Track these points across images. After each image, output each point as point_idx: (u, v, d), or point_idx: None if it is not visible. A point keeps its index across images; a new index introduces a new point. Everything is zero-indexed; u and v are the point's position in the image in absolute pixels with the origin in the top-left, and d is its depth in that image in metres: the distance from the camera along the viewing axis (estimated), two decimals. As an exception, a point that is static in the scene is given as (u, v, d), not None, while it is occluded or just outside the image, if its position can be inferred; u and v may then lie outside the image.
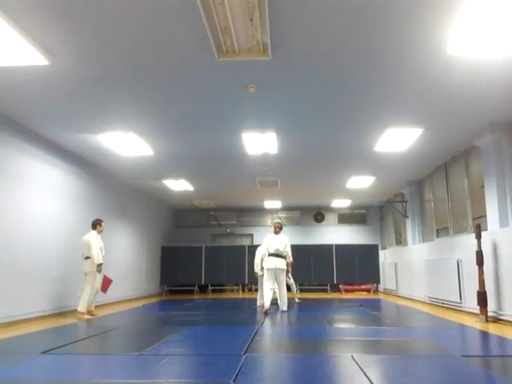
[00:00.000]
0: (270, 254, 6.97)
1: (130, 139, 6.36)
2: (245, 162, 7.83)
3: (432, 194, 9.09)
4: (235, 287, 13.26)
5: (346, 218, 14.04)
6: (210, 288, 12.43)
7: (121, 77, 4.41)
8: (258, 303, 7.75)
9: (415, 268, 9.22)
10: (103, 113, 5.39)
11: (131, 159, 7.56)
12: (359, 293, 12.13)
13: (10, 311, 5.51)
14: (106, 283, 6.90)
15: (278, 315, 6.50)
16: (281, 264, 6.90)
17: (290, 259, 7.23)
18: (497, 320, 5.58)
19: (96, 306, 6.80)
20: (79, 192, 7.53)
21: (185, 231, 13.88)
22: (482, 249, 5.76)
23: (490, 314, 5.60)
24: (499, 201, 5.84)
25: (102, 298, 7.58)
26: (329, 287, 12.48)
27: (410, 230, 9.96)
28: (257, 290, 8.52)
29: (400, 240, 11.52)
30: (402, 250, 10.66)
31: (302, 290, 12.30)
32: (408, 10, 3.26)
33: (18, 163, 5.83)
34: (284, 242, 7.09)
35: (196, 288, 12.27)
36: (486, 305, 5.57)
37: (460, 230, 7.63)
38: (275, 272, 6.90)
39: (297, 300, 8.92)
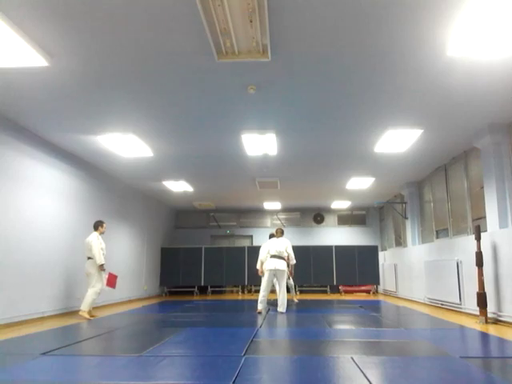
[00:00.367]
0: (271, 256, 7.02)
1: (129, 140, 6.37)
2: (244, 163, 7.84)
3: (432, 195, 9.10)
4: (235, 288, 13.27)
5: (345, 219, 14.05)
6: (209, 289, 12.44)
7: (121, 78, 4.42)
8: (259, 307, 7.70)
9: (415, 269, 9.23)
10: (103, 114, 5.39)
11: (131, 160, 7.57)
12: (359, 294, 12.14)
13: (10, 312, 5.51)
14: (113, 279, 6.89)
15: (278, 316, 6.49)
16: (280, 265, 6.91)
17: (294, 261, 7.25)
18: (496, 321, 5.58)
19: (96, 308, 6.80)
20: (79, 193, 7.54)
21: (184, 232, 13.89)
22: (482, 250, 5.77)
23: (489, 315, 5.60)
24: (499, 202, 5.85)
25: (103, 298, 7.58)
26: (328, 288, 12.51)
27: (410, 231, 9.97)
28: (256, 291, 8.52)
29: (400, 241, 11.52)
30: (402, 251, 10.66)
31: (301, 291, 12.34)
32: (408, 12, 3.28)
33: (18, 164, 5.83)
34: (285, 243, 7.14)
35: (196, 289, 12.29)
36: (486, 306, 5.58)
37: (460, 231, 7.63)
38: (275, 273, 6.92)
39: (295, 300, 9.01)
